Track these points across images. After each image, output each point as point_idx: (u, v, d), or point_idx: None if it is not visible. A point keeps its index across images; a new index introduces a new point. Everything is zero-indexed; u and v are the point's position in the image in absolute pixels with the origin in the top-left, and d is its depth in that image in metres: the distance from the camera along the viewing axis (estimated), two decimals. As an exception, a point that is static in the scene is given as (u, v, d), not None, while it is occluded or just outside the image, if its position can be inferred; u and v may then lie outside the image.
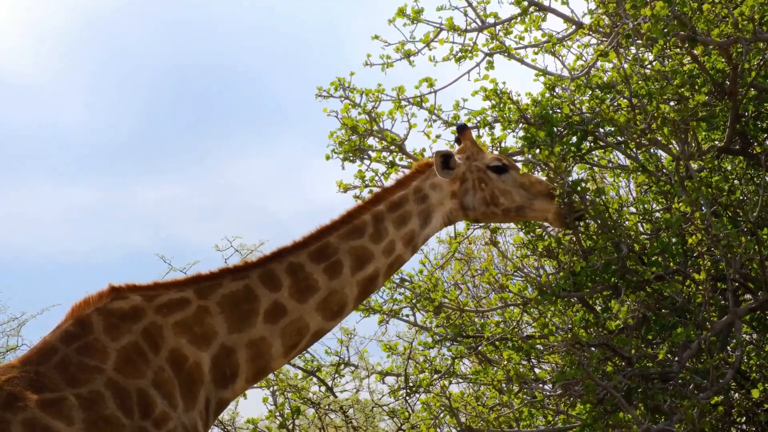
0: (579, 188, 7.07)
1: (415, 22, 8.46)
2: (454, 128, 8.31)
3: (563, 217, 6.62)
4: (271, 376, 9.40)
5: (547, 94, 7.78)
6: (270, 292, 5.93)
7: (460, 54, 8.50)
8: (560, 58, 8.58)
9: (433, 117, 8.29)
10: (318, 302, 6.02)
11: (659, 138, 7.33)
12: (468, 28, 8.53)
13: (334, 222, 6.21)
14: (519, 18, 8.55)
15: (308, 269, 6.02)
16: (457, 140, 6.75)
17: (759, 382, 6.86)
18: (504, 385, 7.55)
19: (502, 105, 7.87)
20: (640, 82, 7.25)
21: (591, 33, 8.22)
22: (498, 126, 7.93)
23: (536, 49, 8.57)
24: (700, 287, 7.06)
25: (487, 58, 8.50)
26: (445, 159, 6.43)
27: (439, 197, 6.43)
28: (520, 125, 7.66)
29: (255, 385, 7.17)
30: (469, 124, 8.32)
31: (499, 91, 7.89)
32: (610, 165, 8.33)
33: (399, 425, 10.17)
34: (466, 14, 8.57)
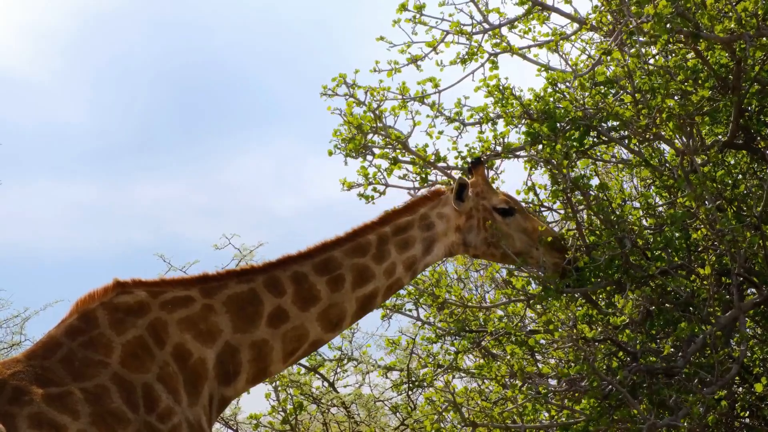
0: (581, 184, 7.08)
1: (417, 22, 8.46)
2: (456, 124, 8.32)
3: (561, 268, 6.75)
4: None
5: (550, 90, 7.79)
6: (274, 297, 6.02)
7: (465, 57, 8.50)
8: (563, 55, 8.59)
9: (436, 113, 8.30)
10: (319, 312, 6.13)
11: (663, 133, 7.34)
12: (473, 30, 8.53)
13: (340, 238, 6.33)
14: (523, 18, 8.55)
15: (312, 279, 6.13)
16: (469, 171, 6.81)
17: (762, 377, 6.88)
18: (507, 379, 7.56)
19: (504, 101, 7.88)
20: (643, 77, 7.26)
21: (594, 31, 8.23)
22: (501, 122, 7.95)
23: (540, 46, 8.58)
24: (704, 282, 7.08)
25: (491, 58, 8.50)
26: (461, 188, 6.58)
27: (443, 228, 6.56)
28: (523, 121, 7.66)
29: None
30: (471, 120, 8.31)
31: (501, 87, 7.90)
32: (614, 160, 8.34)
33: (402, 420, 10.19)
34: (471, 17, 8.57)
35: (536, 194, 7.74)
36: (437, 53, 8.48)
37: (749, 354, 7.64)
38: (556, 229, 7.73)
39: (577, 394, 7.03)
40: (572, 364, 6.90)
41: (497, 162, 8.05)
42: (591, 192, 7.14)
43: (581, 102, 7.48)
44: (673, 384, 6.84)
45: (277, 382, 9.68)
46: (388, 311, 8.80)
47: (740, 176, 7.78)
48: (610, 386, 6.79)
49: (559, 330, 6.96)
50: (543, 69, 8.48)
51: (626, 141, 7.76)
